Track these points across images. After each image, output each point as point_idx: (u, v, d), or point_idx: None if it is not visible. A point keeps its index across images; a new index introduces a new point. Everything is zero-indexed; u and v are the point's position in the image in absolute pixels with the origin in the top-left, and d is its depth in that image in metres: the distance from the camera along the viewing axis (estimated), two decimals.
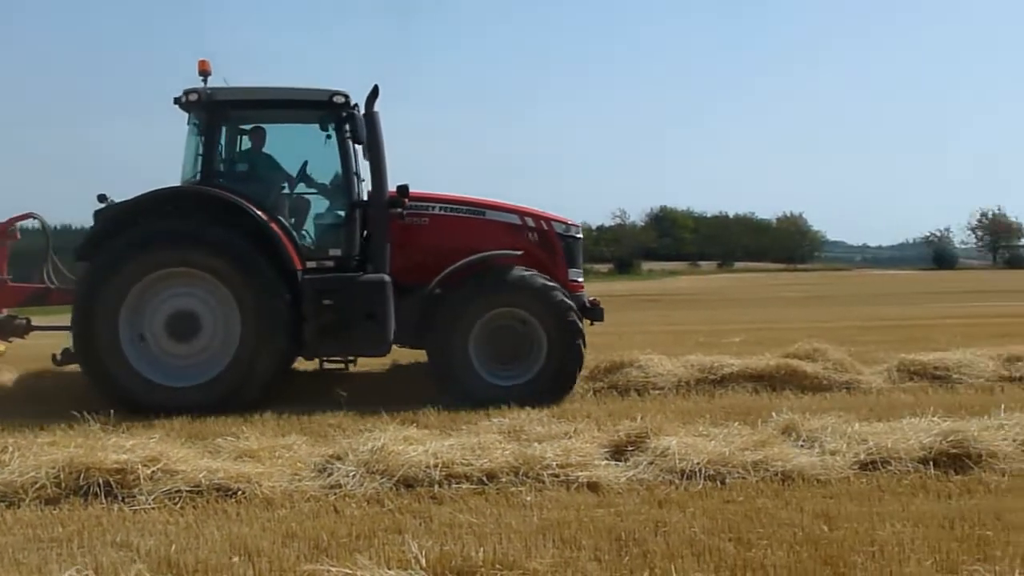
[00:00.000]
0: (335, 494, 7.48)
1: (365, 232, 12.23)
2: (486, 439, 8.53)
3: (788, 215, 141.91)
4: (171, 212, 11.52)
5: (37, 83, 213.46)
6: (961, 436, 8.30)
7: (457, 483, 7.64)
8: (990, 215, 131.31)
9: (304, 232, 12.34)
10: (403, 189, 12.03)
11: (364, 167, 12.20)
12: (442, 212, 12.54)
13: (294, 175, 12.56)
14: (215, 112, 12.10)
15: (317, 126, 12.30)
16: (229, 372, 11.37)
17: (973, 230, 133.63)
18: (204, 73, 12.10)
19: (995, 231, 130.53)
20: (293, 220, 12.21)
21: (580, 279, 13.06)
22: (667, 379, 12.46)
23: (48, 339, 12.90)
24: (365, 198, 12.30)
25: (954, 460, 8.10)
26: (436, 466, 7.78)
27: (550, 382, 11.87)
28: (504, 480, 7.71)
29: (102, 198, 12.02)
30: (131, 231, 11.43)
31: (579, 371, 12.18)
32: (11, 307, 12.95)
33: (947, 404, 10.49)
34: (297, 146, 12.62)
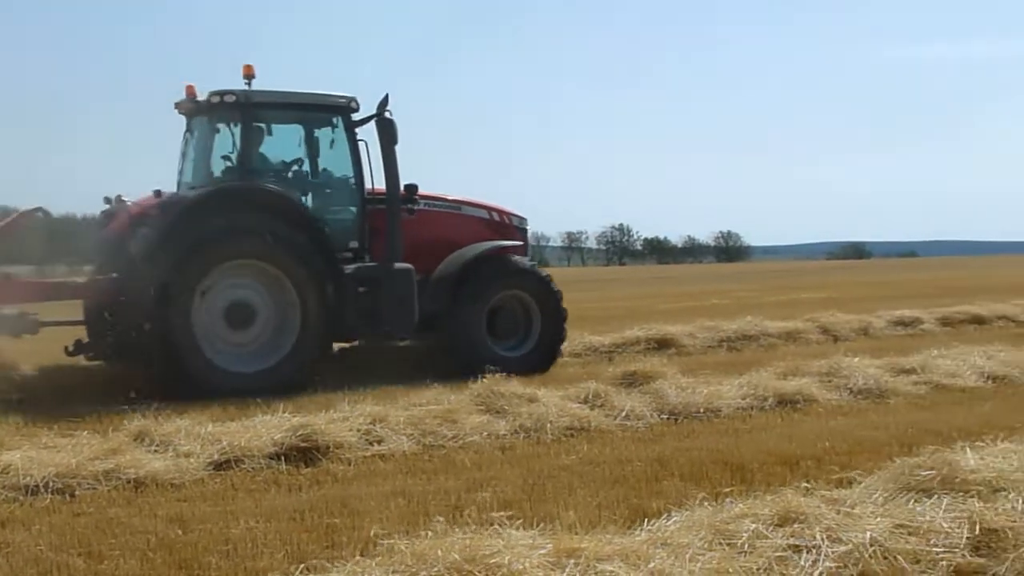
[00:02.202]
0: None
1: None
2: None
3: None
4: (238, 208, 12.40)
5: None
6: (310, 430, 8.70)
7: None
8: None
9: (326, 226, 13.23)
10: (412, 188, 13.43)
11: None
12: (427, 208, 13.94)
13: (310, 174, 13.62)
14: (251, 113, 12.97)
15: (330, 128, 13.56)
16: (295, 355, 12.43)
17: None
18: (248, 77, 13.04)
19: None
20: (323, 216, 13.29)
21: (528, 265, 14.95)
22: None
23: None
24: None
25: (304, 453, 8.48)
26: None
27: (544, 353, 14.10)
28: None
29: (158, 193, 13.00)
30: (207, 225, 12.10)
31: (562, 344, 14.55)
32: (23, 304, 12.40)
33: (297, 400, 10.86)
34: (311, 146, 13.71)
